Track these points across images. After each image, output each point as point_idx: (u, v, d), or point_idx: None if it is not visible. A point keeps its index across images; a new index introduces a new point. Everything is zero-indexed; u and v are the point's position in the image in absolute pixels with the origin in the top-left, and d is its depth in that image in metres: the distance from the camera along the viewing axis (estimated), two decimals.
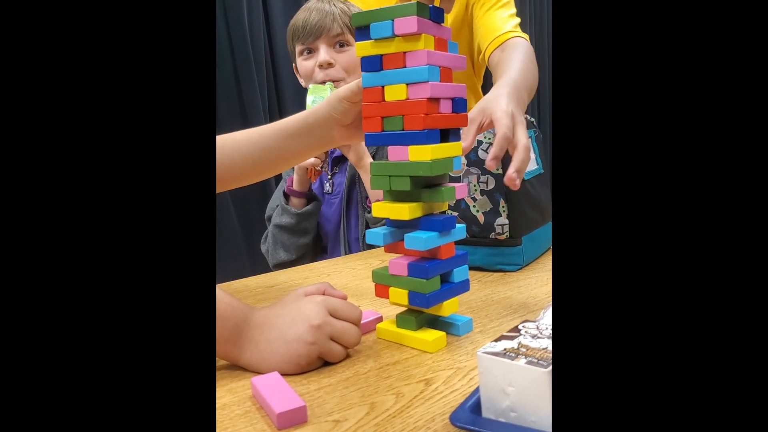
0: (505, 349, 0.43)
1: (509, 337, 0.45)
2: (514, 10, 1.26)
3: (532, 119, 0.95)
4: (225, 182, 0.77)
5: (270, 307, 0.60)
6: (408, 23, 0.56)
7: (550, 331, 0.45)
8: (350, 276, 0.91)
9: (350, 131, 0.71)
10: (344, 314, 0.59)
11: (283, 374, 0.54)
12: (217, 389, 0.53)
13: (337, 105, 0.68)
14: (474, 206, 0.85)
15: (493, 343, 0.44)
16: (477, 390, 0.45)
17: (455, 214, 0.86)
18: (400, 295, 0.61)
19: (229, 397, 0.52)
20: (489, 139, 0.83)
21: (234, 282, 0.93)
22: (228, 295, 0.57)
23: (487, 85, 1.35)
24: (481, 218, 0.85)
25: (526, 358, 0.41)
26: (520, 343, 0.43)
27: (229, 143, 0.75)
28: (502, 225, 0.84)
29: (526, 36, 1.21)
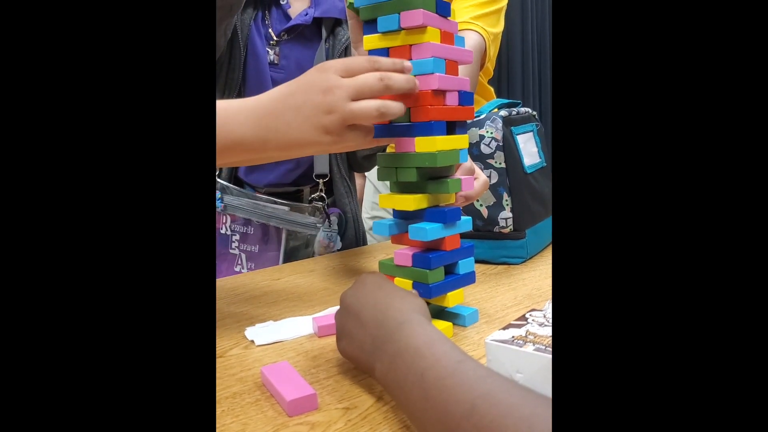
0: (513, 337, 0.43)
1: (517, 325, 0.46)
2: None
3: (534, 113, 0.96)
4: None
5: (277, 89, 0.57)
6: (414, 16, 0.56)
7: None
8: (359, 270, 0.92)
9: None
10: (358, 68, 0.55)
11: (318, 147, 0.55)
12: (226, 378, 0.54)
13: None
14: (478, 200, 0.86)
15: (501, 331, 0.45)
16: None
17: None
18: (404, 286, 0.62)
19: (239, 386, 0.53)
20: (491, 133, 0.84)
21: (239, 276, 0.93)
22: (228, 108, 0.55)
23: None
24: (484, 212, 0.85)
25: (533, 345, 0.42)
26: (527, 331, 0.44)
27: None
28: (506, 218, 0.85)
29: (485, 29, 1.14)
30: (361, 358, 0.48)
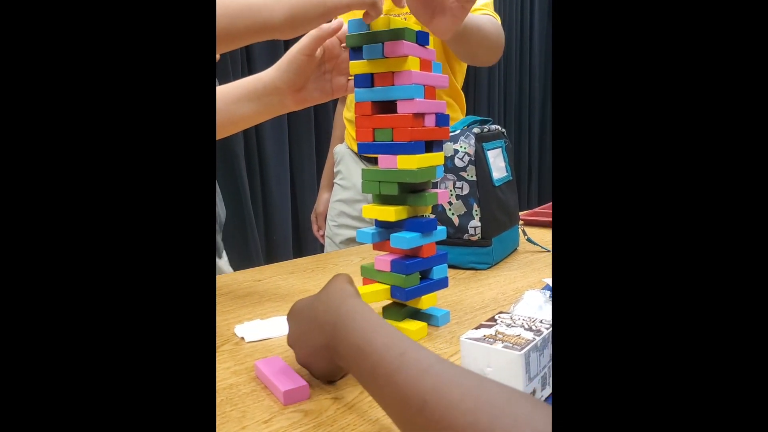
0: (484, 336, 0.50)
1: (487, 325, 0.52)
2: None
3: (503, 130, 1.03)
4: None
5: None
6: (396, 46, 0.62)
7: (523, 321, 0.52)
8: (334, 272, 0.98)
9: (303, 96, 0.73)
10: None
11: None
12: (222, 371, 0.59)
13: (283, 74, 0.70)
14: (450, 210, 0.92)
15: (473, 330, 0.51)
16: None
17: (433, 216, 0.93)
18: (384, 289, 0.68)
19: (235, 378, 0.58)
20: (465, 148, 0.90)
21: (222, 276, 0.98)
22: None
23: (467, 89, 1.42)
24: (456, 221, 0.92)
25: (502, 343, 0.48)
26: (497, 331, 0.51)
27: None
28: (475, 227, 0.91)
29: (497, 15, 1.25)
30: (320, 362, 0.52)
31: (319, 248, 1.60)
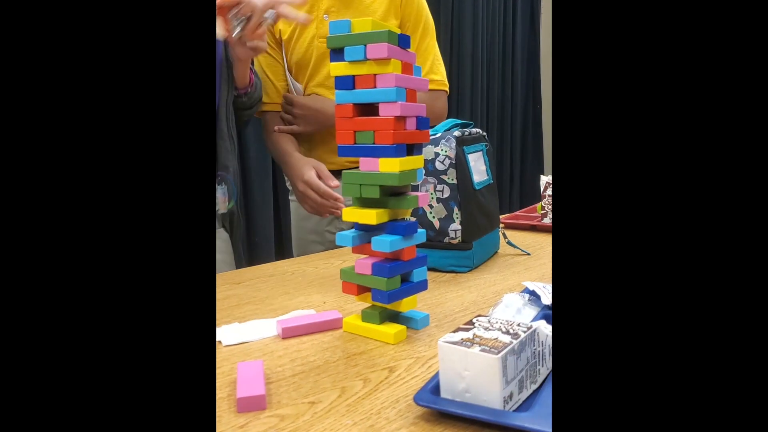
0: (462, 339, 0.50)
1: (465, 329, 0.52)
2: (436, 48, 1.29)
3: (484, 134, 1.03)
4: None
5: None
6: (379, 49, 0.62)
7: (500, 325, 0.52)
8: (314, 275, 0.97)
9: None
10: None
11: None
12: None
13: None
14: (431, 213, 0.92)
15: (451, 333, 0.51)
16: (436, 375, 0.52)
17: (413, 219, 0.93)
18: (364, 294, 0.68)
19: None
20: (445, 151, 0.90)
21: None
22: None
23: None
24: (436, 224, 0.92)
25: (480, 346, 0.48)
26: (474, 334, 0.51)
27: None
28: (455, 230, 0.91)
29: (437, 75, 1.27)
30: None
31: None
